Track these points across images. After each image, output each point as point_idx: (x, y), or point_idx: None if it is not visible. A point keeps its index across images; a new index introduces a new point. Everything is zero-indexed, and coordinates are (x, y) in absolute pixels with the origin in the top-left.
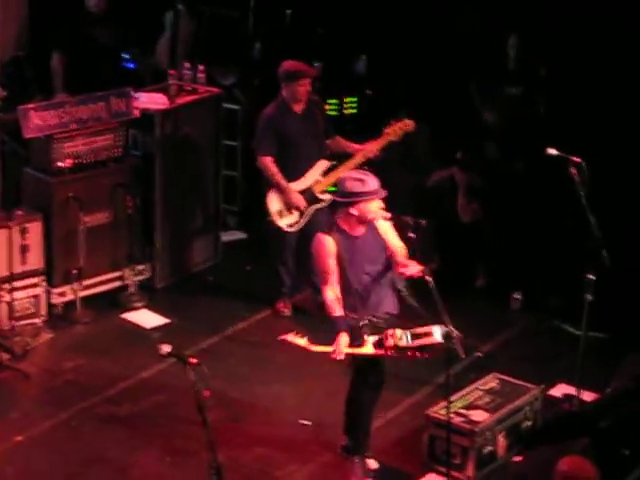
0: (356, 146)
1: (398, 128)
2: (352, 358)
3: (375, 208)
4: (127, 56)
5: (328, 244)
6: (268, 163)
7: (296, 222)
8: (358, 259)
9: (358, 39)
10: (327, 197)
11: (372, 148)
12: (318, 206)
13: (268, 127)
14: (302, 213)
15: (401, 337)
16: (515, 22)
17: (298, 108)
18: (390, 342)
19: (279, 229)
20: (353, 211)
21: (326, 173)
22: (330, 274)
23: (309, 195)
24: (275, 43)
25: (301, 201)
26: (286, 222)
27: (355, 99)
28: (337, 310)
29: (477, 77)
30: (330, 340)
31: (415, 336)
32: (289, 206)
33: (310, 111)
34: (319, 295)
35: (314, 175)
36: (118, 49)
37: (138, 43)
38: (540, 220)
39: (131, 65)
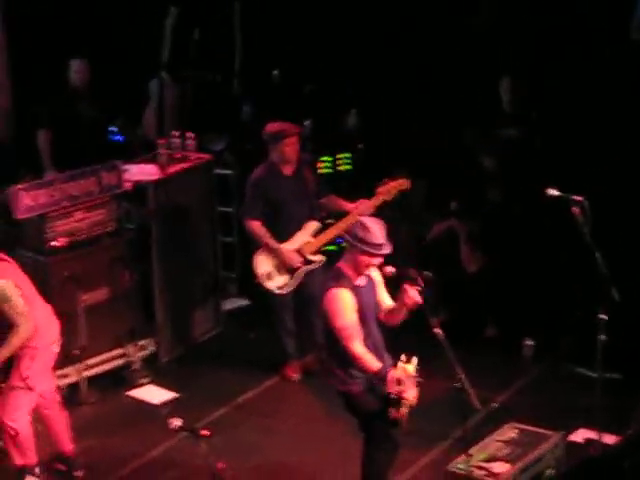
0: (349, 205)
1: (392, 187)
2: (363, 424)
3: (372, 264)
4: (114, 129)
5: (346, 297)
6: (255, 226)
7: (286, 284)
8: (369, 310)
9: (347, 93)
10: (318, 258)
11: (365, 208)
12: (309, 267)
13: (256, 191)
14: (293, 275)
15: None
16: (505, 66)
17: (288, 170)
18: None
19: (268, 292)
20: (351, 256)
21: (317, 234)
22: (354, 328)
23: (299, 256)
24: (263, 104)
25: (296, 258)
26: (275, 284)
27: (348, 155)
28: (375, 362)
29: (472, 122)
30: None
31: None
32: (281, 267)
33: (300, 172)
34: (334, 356)
35: (303, 236)
36: (104, 122)
37: (124, 115)
38: (546, 262)
39: (119, 138)
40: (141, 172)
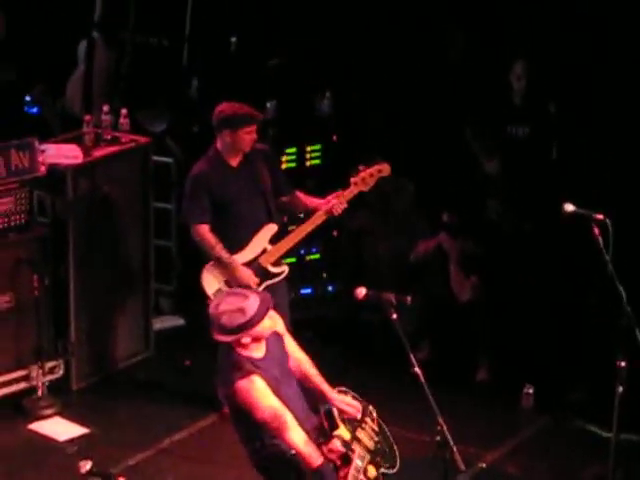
0: (317, 201)
1: (369, 175)
2: None
3: (267, 323)
4: (29, 99)
5: (258, 385)
6: (203, 232)
7: None
8: (283, 375)
9: (322, 72)
10: (281, 270)
11: (337, 202)
12: (270, 282)
13: (199, 188)
14: None
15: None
16: (518, 47)
17: (235, 161)
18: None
19: None
20: (245, 340)
21: (276, 240)
22: (284, 415)
23: (257, 269)
24: (217, 79)
25: (250, 277)
26: None
27: (319, 147)
28: (317, 457)
29: (474, 117)
30: None
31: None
32: (232, 283)
33: (251, 164)
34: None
35: (261, 243)
36: (18, 90)
37: (44, 82)
38: (555, 295)
39: (34, 110)
40: (60, 154)
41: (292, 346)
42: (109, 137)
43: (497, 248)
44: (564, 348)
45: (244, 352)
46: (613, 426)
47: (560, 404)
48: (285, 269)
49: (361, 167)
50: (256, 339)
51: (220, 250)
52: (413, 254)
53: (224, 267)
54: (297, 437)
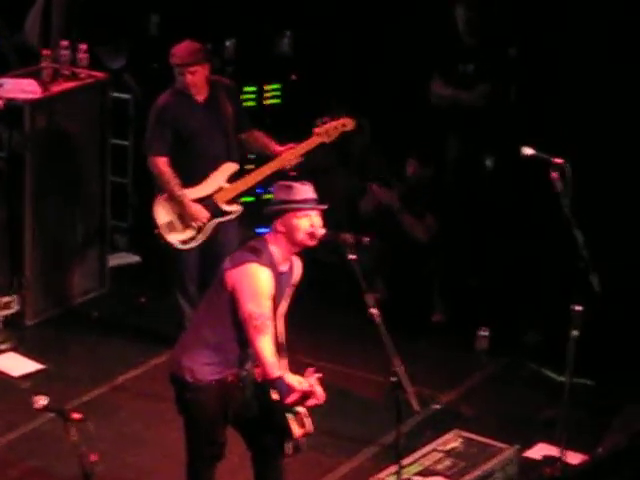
0: (277, 147)
1: (333, 127)
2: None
3: (306, 226)
4: None
5: (266, 279)
6: (161, 165)
7: (191, 238)
8: (278, 303)
9: (282, 10)
10: (233, 209)
11: (296, 152)
12: (221, 219)
13: (161, 120)
14: (200, 227)
15: None
16: None
17: (200, 97)
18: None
19: (169, 246)
20: (279, 227)
21: (233, 179)
22: (268, 319)
23: (210, 205)
24: (177, 16)
25: (201, 213)
26: (178, 238)
27: (278, 86)
28: (277, 369)
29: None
30: None
31: None
32: (186, 218)
33: (215, 99)
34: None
35: (218, 180)
36: None
37: (1, 15)
38: (513, 236)
39: None
40: (17, 88)
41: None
42: (67, 72)
43: (456, 186)
44: (520, 291)
45: (277, 251)
46: (567, 370)
47: (515, 347)
48: (238, 209)
49: (325, 119)
50: (288, 237)
51: (174, 186)
52: (361, 209)
53: (176, 201)
54: (268, 345)
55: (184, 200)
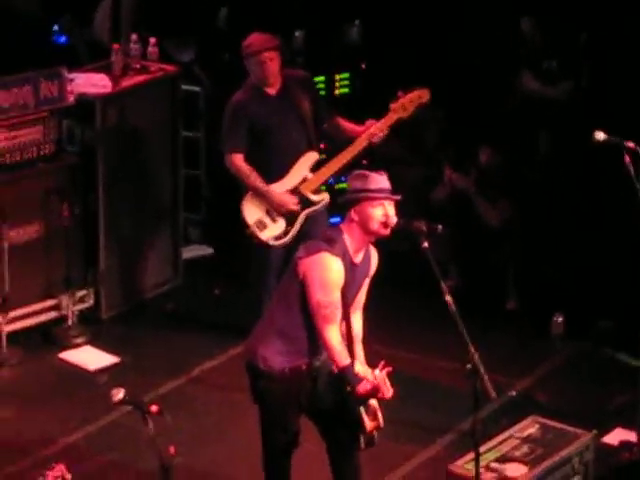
0: (358, 128)
1: (409, 101)
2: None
3: (379, 216)
4: (57, 28)
5: (338, 270)
6: (237, 161)
7: (285, 232)
8: (351, 293)
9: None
10: (321, 198)
11: (378, 128)
12: (310, 210)
13: (236, 117)
14: (291, 220)
15: None
16: None
17: (272, 90)
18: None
19: (263, 245)
20: (354, 216)
21: (316, 168)
22: (337, 309)
23: (299, 197)
24: (245, 8)
25: (291, 201)
26: (271, 234)
27: (347, 75)
28: (345, 357)
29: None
30: None
31: None
32: (273, 212)
33: (288, 92)
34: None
35: (301, 172)
36: (46, 19)
37: (71, 11)
38: (588, 223)
39: (62, 39)
40: (89, 83)
41: (364, 290)
42: (138, 66)
43: (530, 172)
44: (597, 276)
45: (352, 240)
46: None
47: (590, 332)
48: (326, 197)
49: (400, 93)
50: (362, 226)
51: (255, 179)
52: (434, 198)
53: (262, 196)
54: (336, 334)
55: (269, 191)
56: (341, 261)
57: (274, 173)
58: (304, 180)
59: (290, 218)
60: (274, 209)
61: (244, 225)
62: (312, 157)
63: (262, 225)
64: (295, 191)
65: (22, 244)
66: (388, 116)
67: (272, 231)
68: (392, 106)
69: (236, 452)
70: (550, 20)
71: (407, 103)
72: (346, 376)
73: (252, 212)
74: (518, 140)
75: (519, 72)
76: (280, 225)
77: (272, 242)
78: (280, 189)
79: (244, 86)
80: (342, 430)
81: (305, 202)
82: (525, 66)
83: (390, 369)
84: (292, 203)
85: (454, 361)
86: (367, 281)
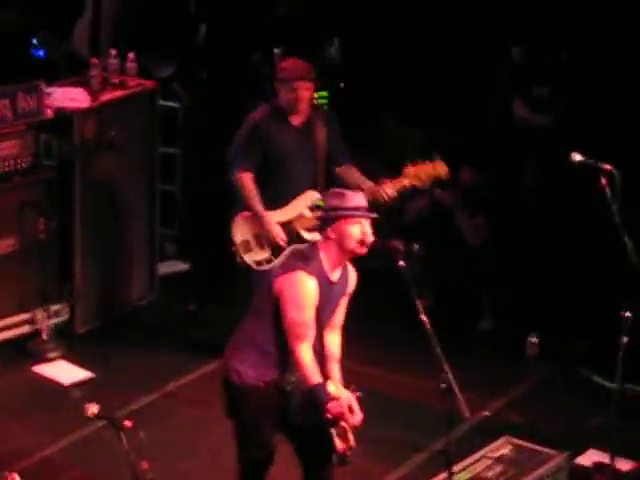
0: (369, 183)
1: (424, 172)
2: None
3: (357, 233)
4: (36, 42)
5: (312, 289)
6: (246, 180)
7: (267, 260)
8: (325, 312)
9: (330, 16)
10: (312, 236)
11: (388, 191)
12: (298, 247)
13: (253, 137)
14: (276, 251)
15: None
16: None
17: (297, 120)
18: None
19: (244, 265)
20: (330, 234)
21: (314, 208)
22: (309, 328)
23: (289, 231)
24: (224, 26)
25: (279, 235)
26: (254, 258)
27: (325, 94)
28: (317, 376)
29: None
30: None
31: None
32: (262, 239)
33: (312, 126)
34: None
35: (299, 207)
36: (25, 33)
37: (50, 25)
38: (563, 243)
39: (40, 53)
40: (67, 97)
41: (342, 309)
42: (116, 81)
43: (508, 193)
44: (570, 297)
45: (328, 258)
46: (617, 377)
47: (565, 354)
48: (317, 236)
49: (418, 161)
50: (339, 244)
51: (256, 202)
52: (406, 216)
53: (257, 220)
54: (307, 352)
55: (265, 219)
56: (316, 280)
57: (277, 201)
58: (300, 216)
59: (276, 249)
60: (264, 235)
61: (231, 242)
62: (313, 196)
63: (247, 247)
64: (289, 225)
65: None
66: (400, 179)
67: (256, 255)
68: (406, 171)
69: (209, 468)
70: (541, 49)
71: (423, 175)
72: (316, 395)
73: (241, 232)
74: (503, 164)
75: (508, 98)
76: (265, 252)
77: (254, 266)
78: (276, 218)
79: (268, 104)
80: (315, 448)
81: (295, 237)
82: (515, 92)
83: (359, 394)
84: (281, 238)
85: (428, 380)
86: (345, 299)
